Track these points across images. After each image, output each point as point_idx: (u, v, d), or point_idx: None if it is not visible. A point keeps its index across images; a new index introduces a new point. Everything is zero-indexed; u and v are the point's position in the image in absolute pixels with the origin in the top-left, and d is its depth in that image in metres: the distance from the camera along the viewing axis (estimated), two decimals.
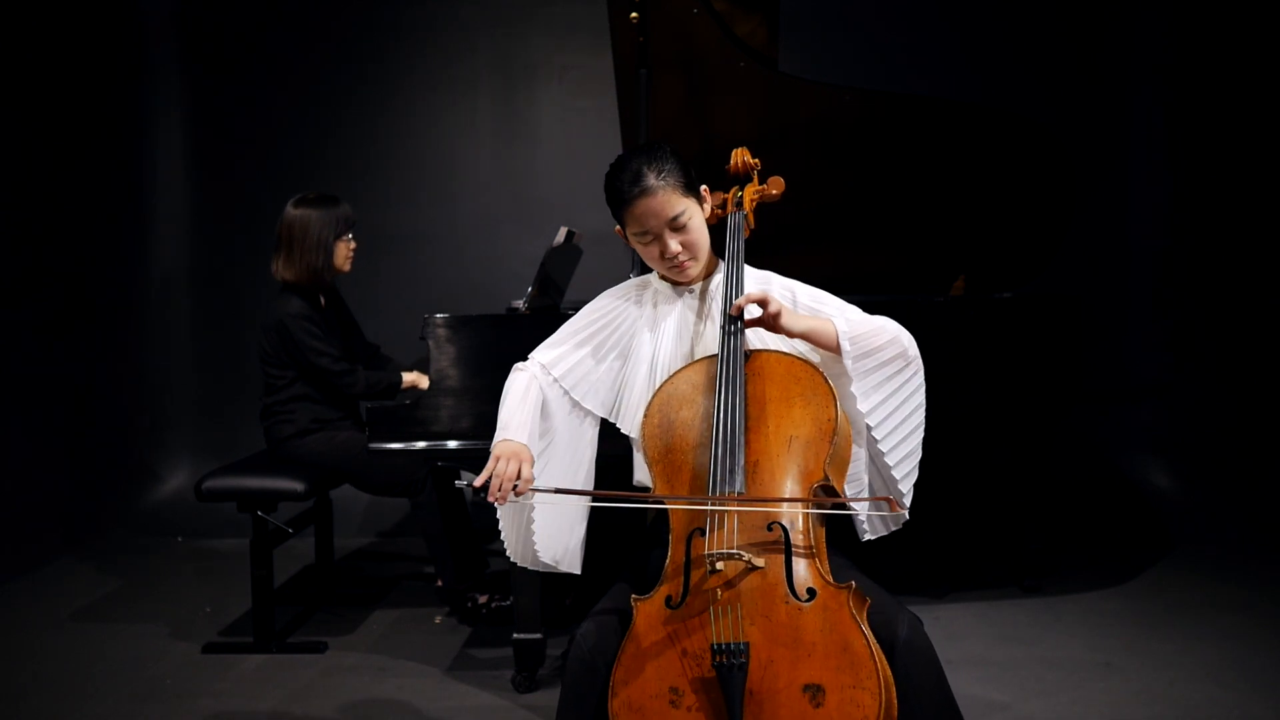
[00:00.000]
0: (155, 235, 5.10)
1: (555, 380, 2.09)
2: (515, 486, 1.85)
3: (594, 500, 2.04)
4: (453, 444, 2.91)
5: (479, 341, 2.93)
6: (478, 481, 1.84)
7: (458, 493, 3.70)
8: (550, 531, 2.03)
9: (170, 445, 5.10)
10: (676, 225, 2.03)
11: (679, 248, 2.04)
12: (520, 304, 3.29)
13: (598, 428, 2.14)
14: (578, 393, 2.09)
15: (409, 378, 3.60)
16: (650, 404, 1.99)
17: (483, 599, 3.58)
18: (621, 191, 2.04)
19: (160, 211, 5.11)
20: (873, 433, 1.94)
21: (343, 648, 3.38)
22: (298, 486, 3.32)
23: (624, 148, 3.64)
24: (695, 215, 2.06)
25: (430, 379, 2.93)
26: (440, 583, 3.65)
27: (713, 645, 1.71)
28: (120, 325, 4.92)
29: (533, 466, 1.90)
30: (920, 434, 2.01)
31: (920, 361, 2.01)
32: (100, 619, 3.69)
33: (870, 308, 2.14)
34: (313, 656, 3.30)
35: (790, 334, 1.97)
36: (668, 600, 1.79)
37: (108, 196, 4.85)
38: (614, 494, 1.93)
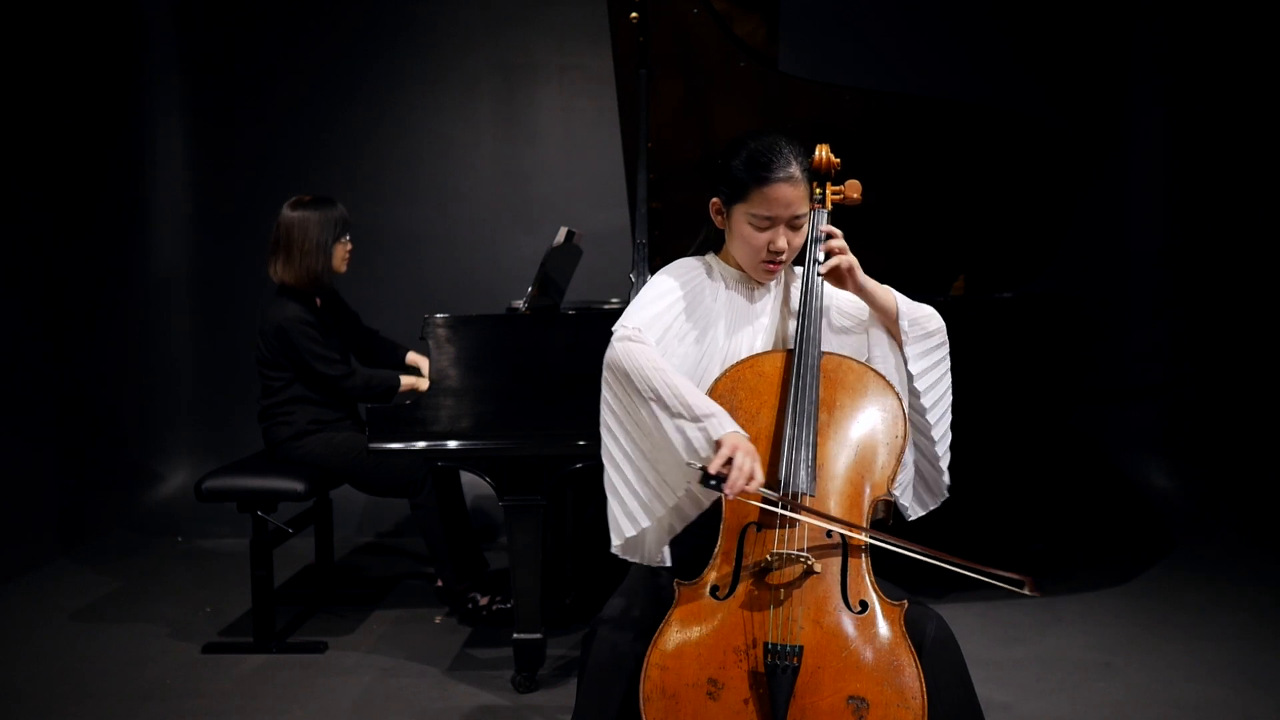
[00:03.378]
0: (155, 235, 5.10)
1: None
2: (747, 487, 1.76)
3: (837, 525, 1.84)
4: (452, 444, 2.91)
5: (479, 341, 2.93)
6: (713, 467, 1.74)
7: (458, 493, 3.70)
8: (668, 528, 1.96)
9: (170, 445, 5.10)
10: (795, 225, 1.99)
11: (784, 246, 2.00)
12: (520, 304, 3.29)
13: None
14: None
15: (407, 381, 3.61)
16: (713, 387, 1.95)
17: (483, 600, 3.58)
18: (767, 168, 1.94)
19: (160, 211, 5.10)
20: (921, 399, 1.98)
21: (343, 648, 3.37)
22: (298, 487, 3.32)
23: (624, 148, 3.64)
24: (807, 222, 2.03)
25: (430, 379, 2.93)
26: (440, 583, 3.65)
27: (766, 644, 1.70)
28: (120, 325, 4.92)
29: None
30: (949, 419, 2.07)
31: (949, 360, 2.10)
32: (100, 619, 3.69)
33: None
34: (313, 656, 3.30)
35: (859, 285, 2.01)
36: (713, 590, 1.78)
37: (107, 196, 4.85)
38: (828, 516, 1.82)
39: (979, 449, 4.40)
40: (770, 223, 1.97)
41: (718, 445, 1.77)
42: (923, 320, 2.04)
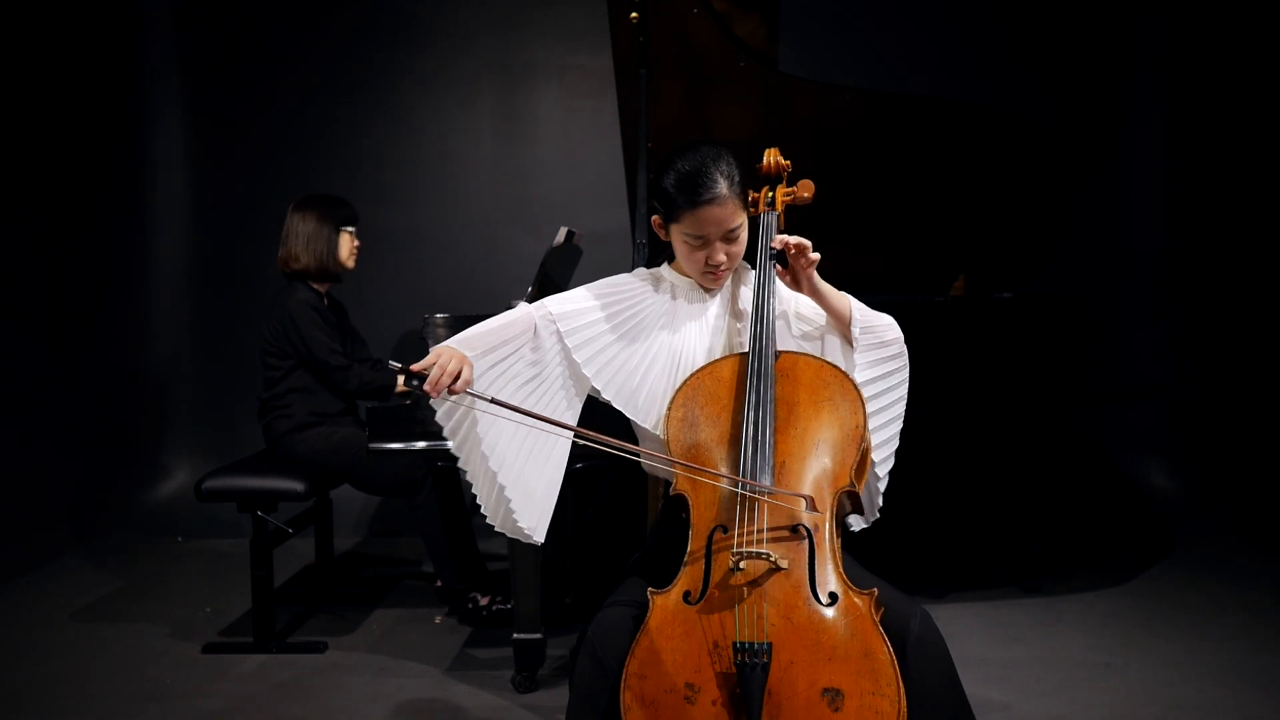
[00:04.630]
0: (155, 235, 5.10)
1: (558, 333, 2.03)
2: (453, 385, 1.82)
3: (557, 430, 1.93)
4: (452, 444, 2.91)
5: None
6: (415, 366, 1.81)
7: (458, 493, 3.70)
8: (526, 494, 1.97)
9: (170, 445, 5.11)
10: (730, 237, 2.01)
11: (724, 259, 2.02)
12: (520, 304, 3.29)
13: (584, 396, 2.08)
14: (580, 354, 2.03)
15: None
16: (674, 398, 1.97)
17: (484, 600, 3.58)
18: (693, 193, 1.97)
19: (160, 211, 5.11)
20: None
21: (343, 648, 3.38)
22: (298, 486, 3.32)
23: (624, 148, 3.64)
24: (745, 228, 2.05)
25: None
26: (440, 583, 3.65)
27: (735, 644, 1.71)
28: (120, 325, 4.93)
29: (473, 373, 1.86)
30: (897, 432, 2.05)
31: (908, 372, 2.06)
32: (100, 619, 3.69)
33: (870, 307, 2.16)
34: (313, 656, 3.30)
35: (814, 288, 2.00)
36: (686, 595, 1.78)
37: (107, 196, 4.85)
38: (578, 429, 1.86)
39: (979, 449, 4.41)
40: (704, 241, 2.01)
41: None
42: (878, 329, 2.03)
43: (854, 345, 2.01)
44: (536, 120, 5.05)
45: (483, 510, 2.02)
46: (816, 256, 1.98)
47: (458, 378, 1.82)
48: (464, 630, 3.52)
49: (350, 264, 3.68)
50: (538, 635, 2.99)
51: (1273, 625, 3.42)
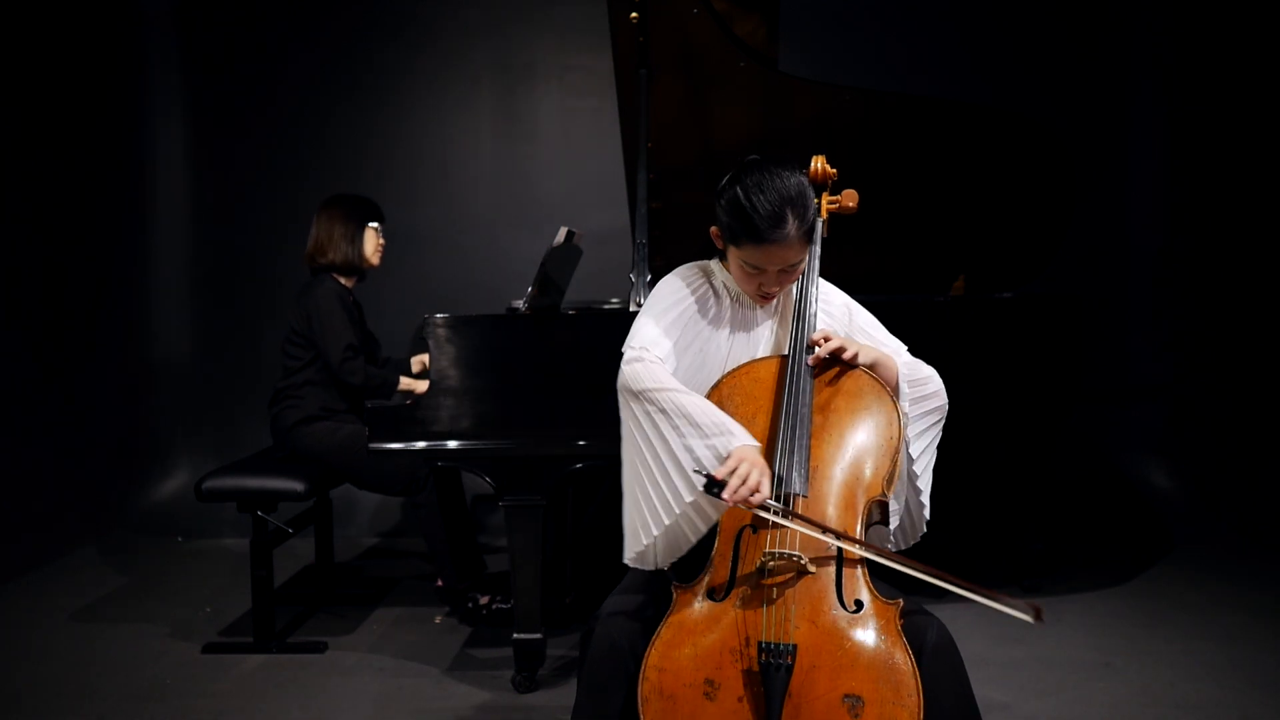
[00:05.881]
0: (155, 235, 5.10)
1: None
2: (750, 499, 1.75)
3: (834, 539, 1.82)
4: (452, 444, 2.91)
5: (479, 341, 2.93)
6: (719, 474, 1.74)
7: (458, 492, 3.70)
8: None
9: (170, 445, 5.10)
10: (789, 270, 1.98)
11: (776, 290, 2.01)
12: (520, 304, 3.29)
13: None
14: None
15: (406, 382, 3.63)
16: (711, 394, 1.96)
17: (483, 600, 3.58)
18: (758, 229, 1.90)
19: (161, 211, 5.11)
20: (914, 465, 1.97)
21: (343, 648, 3.38)
22: (298, 486, 3.32)
23: (624, 148, 3.64)
24: (805, 261, 2.01)
25: (430, 379, 2.93)
26: (440, 583, 3.65)
27: (760, 643, 1.71)
28: (120, 325, 4.93)
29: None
30: (930, 471, 2.06)
31: (943, 425, 2.06)
32: (100, 619, 3.69)
33: (871, 308, 2.17)
34: (313, 656, 3.30)
35: (867, 368, 1.98)
36: (711, 592, 1.79)
37: (108, 196, 4.85)
38: (839, 531, 1.81)
39: (979, 449, 4.41)
40: (760, 271, 1.97)
41: (727, 459, 1.77)
42: (919, 384, 2.02)
43: (901, 395, 1.99)
44: (536, 120, 5.05)
45: (633, 553, 1.94)
46: (851, 354, 1.96)
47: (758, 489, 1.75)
48: (464, 630, 3.52)
49: (375, 260, 3.73)
50: (538, 635, 2.99)
51: (1272, 625, 3.43)
